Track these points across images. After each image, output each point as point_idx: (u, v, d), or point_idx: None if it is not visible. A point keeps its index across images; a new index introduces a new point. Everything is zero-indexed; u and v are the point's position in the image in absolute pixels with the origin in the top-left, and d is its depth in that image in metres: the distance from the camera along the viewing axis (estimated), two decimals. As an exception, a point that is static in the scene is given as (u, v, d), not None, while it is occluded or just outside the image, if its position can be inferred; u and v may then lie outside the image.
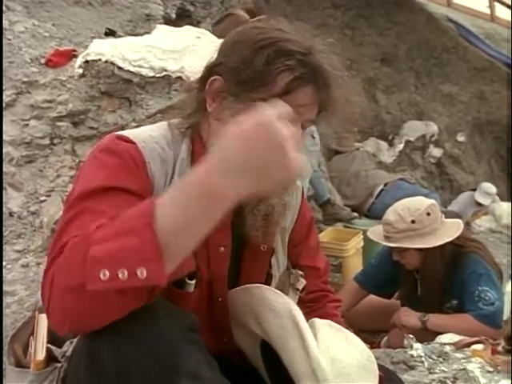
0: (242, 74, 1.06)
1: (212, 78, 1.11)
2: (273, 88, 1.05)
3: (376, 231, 2.75)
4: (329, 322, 1.20)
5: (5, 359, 1.21)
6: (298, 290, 1.36)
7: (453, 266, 2.55)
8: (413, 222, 2.53)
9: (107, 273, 0.82)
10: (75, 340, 1.07)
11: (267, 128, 0.83)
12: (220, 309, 1.23)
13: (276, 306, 1.14)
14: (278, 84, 1.06)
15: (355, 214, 4.39)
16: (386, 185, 4.79)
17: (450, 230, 2.55)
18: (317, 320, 1.19)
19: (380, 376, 1.16)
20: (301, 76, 1.06)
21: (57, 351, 1.12)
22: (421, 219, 2.52)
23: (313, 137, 3.69)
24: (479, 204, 5.63)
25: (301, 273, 1.38)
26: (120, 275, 0.81)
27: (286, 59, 1.06)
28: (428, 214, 2.54)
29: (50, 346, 1.12)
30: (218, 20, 3.82)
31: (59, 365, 1.10)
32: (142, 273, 0.81)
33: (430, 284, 2.58)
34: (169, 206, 0.85)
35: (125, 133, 1.15)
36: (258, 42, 1.07)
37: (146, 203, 0.87)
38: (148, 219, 0.84)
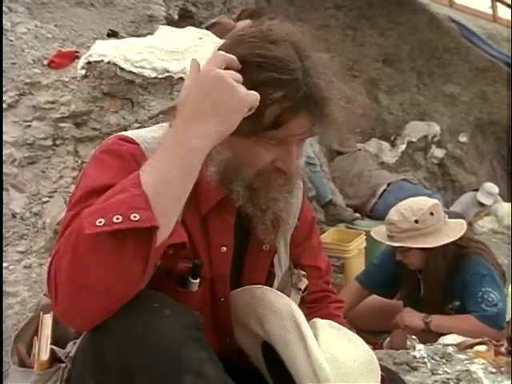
0: None
1: None
2: (262, 121, 1.02)
3: (379, 231, 2.76)
4: (330, 322, 1.20)
5: (5, 359, 1.22)
6: (300, 289, 1.36)
7: (455, 267, 2.55)
8: (416, 221, 2.53)
9: (102, 220, 0.87)
10: (79, 340, 1.08)
11: (208, 74, 0.96)
12: (222, 309, 1.24)
13: (277, 307, 1.14)
14: (267, 118, 1.02)
15: (357, 215, 4.39)
16: (388, 185, 4.79)
17: (453, 231, 2.55)
18: (318, 320, 1.19)
19: (382, 376, 1.15)
20: (290, 108, 1.02)
21: (60, 352, 1.12)
22: (424, 219, 2.53)
23: None
24: (481, 204, 5.62)
25: (303, 273, 1.38)
26: (115, 219, 0.86)
27: (273, 91, 1.01)
28: (431, 213, 2.55)
29: (53, 346, 1.12)
30: (206, 28, 3.86)
31: (63, 365, 1.10)
32: (135, 217, 0.87)
33: (433, 284, 2.58)
34: (150, 164, 0.94)
35: (127, 133, 1.15)
36: (244, 56, 1.02)
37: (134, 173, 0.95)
38: (134, 181, 0.92)
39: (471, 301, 2.49)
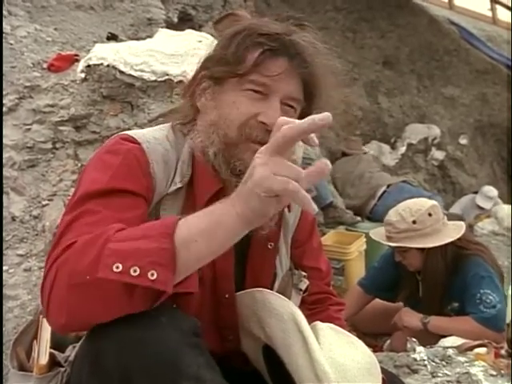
0: (219, 59, 1.13)
1: (200, 74, 1.18)
2: (245, 64, 1.09)
3: (378, 232, 2.77)
4: (331, 325, 1.20)
5: (6, 362, 1.22)
6: (300, 290, 1.36)
7: (454, 268, 2.55)
8: (414, 222, 2.53)
9: (120, 266, 0.86)
10: (78, 344, 1.08)
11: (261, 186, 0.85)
12: (227, 306, 1.22)
13: (278, 310, 1.13)
14: (249, 59, 1.09)
15: (358, 218, 4.39)
16: (388, 187, 4.79)
17: (451, 232, 2.55)
18: (319, 323, 1.19)
19: (383, 379, 1.15)
20: (270, 48, 1.10)
21: (60, 356, 1.12)
22: (422, 219, 2.53)
23: None
24: (480, 207, 5.62)
25: (304, 273, 1.38)
26: (132, 272, 0.85)
27: (256, 37, 1.10)
28: (429, 214, 2.55)
29: (52, 351, 1.12)
30: (219, 19, 3.82)
31: (62, 369, 1.10)
32: (152, 275, 0.86)
33: (431, 285, 2.58)
34: (189, 221, 0.91)
35: (130, 133, 1.16)
36: (234, 30, 1.14)
37: (171, 217, 0.94)
38: (169, 230, 0.89)
39: (470, 302, 2.49)
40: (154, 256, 0.87)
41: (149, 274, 0.85)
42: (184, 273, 0.91)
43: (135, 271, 0.85)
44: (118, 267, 0.86)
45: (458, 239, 2.53)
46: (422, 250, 2.54)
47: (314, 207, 0.90)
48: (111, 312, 0.91)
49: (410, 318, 2.57)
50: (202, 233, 0.90)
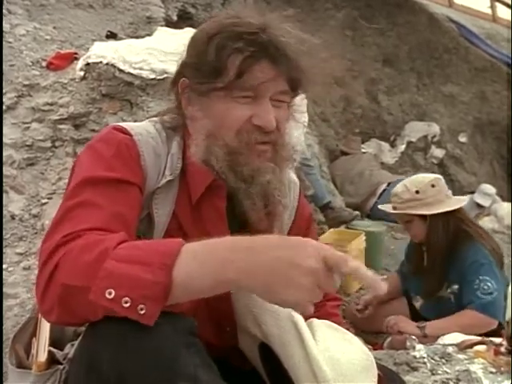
0: (199, 69, 1.11)
1: (180, 80, 1.17)
2: (227, 73, 1.08)
3: (386, 206, 2.88)
4: (327, 322, 1.19)
5: (5, 360, 1.22)
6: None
7: (456, 243, 2.61)
8: (417, 192, 2.64)
9: (113, 293, 0.86)
10: (76, 342, 1.07)
11: (295, 262, 0.87)
12: (222, 299, 1.21)
13: (274, 307, 1.13)
14: (231, 68, 1.08)
15: (357, 213, 4.38)
16: (388, 185, 4.79)
17: (453, 203, 2.67)
18: (315, 320, 1.18)
19: (380, 376, 1.15)
20: (251, 55, 1.08)
21: (58, 353, 1.12)
22: (425, 190, 2.63)
23: None
24: (479, 206, 5.62)
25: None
26: (123, 302, 0.86)
27: (233, 43, 1.07)
28: (432, 185, 2.65)
29: (51, 348, 1.12)
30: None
31: (61, 367, 1.10)
32: (141, 309, 0.86)
33: (434, 254, 2.65)
34: (192, 257, 0.90)
35: (123, 124, 1.18)
36: (208, 32, 1.11)
37: (176, 242, 0.92)
38: (170, 260, 0.88)
39: (468, 289, 2.54)
40: (147, 289, 0.86)
41: (138, 308, 0.86)
42: (176, 302, 0.91)
43: (126, 302, 0.85)
44: (110, 293, 0.86)
45: (461, 216, 2.66)
46: (425, 220, 2.62)
47: (311, 311, 0.93)
48: (92, 318, 0.92)
49: (407, 324, 2.60)
50: (202, 289, 0.90)
